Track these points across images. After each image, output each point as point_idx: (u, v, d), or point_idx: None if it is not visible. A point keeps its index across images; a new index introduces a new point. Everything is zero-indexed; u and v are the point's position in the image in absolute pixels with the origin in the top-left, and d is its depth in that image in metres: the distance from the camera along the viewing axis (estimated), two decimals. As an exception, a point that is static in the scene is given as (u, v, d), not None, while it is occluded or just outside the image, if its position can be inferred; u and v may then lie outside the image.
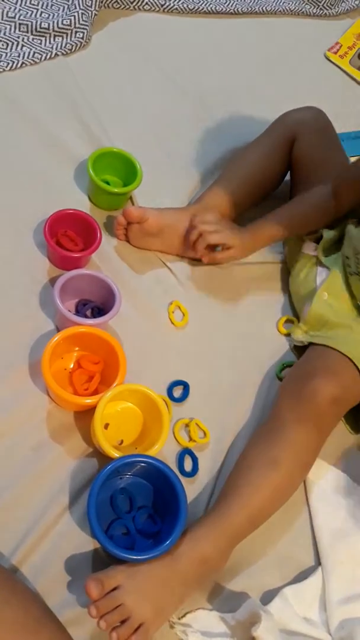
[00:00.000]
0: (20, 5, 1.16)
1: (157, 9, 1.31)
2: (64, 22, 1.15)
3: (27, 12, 1.16)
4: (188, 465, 0.79)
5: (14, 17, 1.14)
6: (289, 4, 1.46)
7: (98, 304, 0.86)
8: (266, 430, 0.76)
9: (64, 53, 1.15)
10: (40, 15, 1.16)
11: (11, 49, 1.12)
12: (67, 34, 1.16)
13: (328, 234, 0.92)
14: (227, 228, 0.90)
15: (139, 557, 0.64)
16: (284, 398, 0.77)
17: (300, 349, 0.89)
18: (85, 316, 0.84)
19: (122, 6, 1.28)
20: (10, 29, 1.13)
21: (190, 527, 0.68)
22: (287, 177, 1.04)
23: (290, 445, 0.72)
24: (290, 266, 1.00)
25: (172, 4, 1.31)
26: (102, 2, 1.23)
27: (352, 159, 1.12)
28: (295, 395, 0.75)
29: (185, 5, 1.33)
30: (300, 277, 0.94)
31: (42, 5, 1.18)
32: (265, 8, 1.42)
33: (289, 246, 1.01)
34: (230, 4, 1.39)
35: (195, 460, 0.79)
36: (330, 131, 1.00)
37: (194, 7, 1.34)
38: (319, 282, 0.91)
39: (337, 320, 0.86)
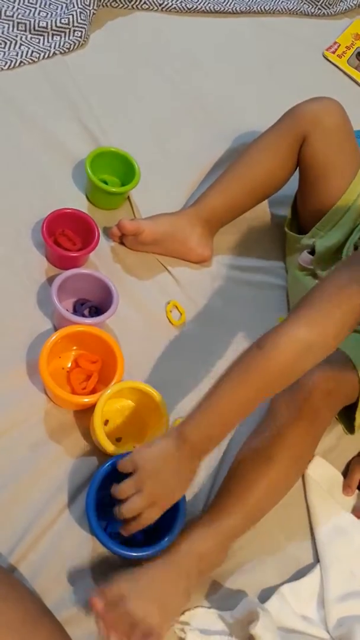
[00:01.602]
0: (19, 4, 1.16)
1: (155, 8, 1.31)
2: (62, 20, 1.15)
3: (25, 11, 1.16)
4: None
5: (12, 16, 1.14)
6: (287, 3, 1.46)
7: (95, 303, 0.86)
8: (261, 426, 0.76)
9: (62, 52, 1.15)
10: (39, 14, 1.16)
11: (9, 47, 1.11)
12: (65, 32, 1.16)
13: (323, 245, 0.88)
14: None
15: (138, 554, 0.65)
16: (278, 394, 0.76)
17: None
18: (83, 315, 0.84)
19: (120, 5, 1.27)
20: (8, 28, 1.13)
21: (189, 526, 0.68)
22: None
23: (284, 440, 0.72)
24: (288, 267, 1.00)
25: (170, 3, 1.31)
26: (100, 0, 1.23)
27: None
28: (289, 388, 0.73)
29: (183, 5, 1.33)
30: (298, 283, 0.93)
31: (40, 4, 1.17)
32: (264, 7, 1.42)
33: (287, 247, 1.00)
34: (229, 4, 1.39)
35: None
36: (347, 127, 0.91)
37: (192, 7, 1.34)
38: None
39: None
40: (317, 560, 0.76)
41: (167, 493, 0.63)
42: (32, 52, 1.12)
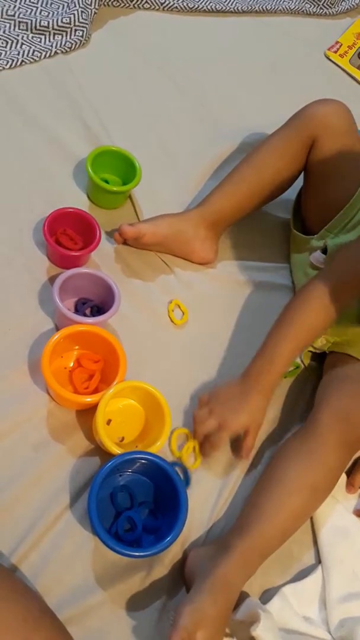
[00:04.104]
0: (20, 4, 1.16)
1: (157, 7, 1.30)
2: (64, 20, 1.15)
3: (27, 10, 1.16)
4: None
5: (14, 15, 1.14)
6: (289, 3, 1.46)
7: (97, 303, 0.86)
8: (306, 451, 0.72)
9: (64, 51, 1.15)
10: (40, 13, 1.16)
11: (10, 47, 1.11)
12: (66, 32, 1.16)
13: (335, 244, 0.88)
14: (227, 410, 0.76)
15: (140, 554, 0.65)
16: (327, 418, 0.73)
17: (314, 353, 0.90)
18: (85, 315, 0.84)
19: (122, 4, 1.27)
20: (9, 27, 1.13)
21: (233, 552, 0.65)
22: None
23: (329, 470, 0.72)
24: (293, 267, 0.99)
25: (171, 3, 1.31)
26: (101, 0, 1.23)
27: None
28: (340, 417, 0.72)
29: (185, 4, 1.33)
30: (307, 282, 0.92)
31: (42, 3, 1.17)
32: (266, 7, 1.42)
33: (293, 247, 1.00)
34: (230, 3, 1.38)
35: (186, 473, 0.78)
36: (354, 130, 0.91)
37: (193, 6, 1.34)
38: None
39: (351, 325, 0.85)
40: (319, 561, 0.76)
41: (234, 417, 0.75)
42: (34, 51, 1.12)
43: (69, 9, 1.17)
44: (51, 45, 1.14)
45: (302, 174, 0.97)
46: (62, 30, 1.15)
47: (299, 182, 0.99)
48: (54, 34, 1.15)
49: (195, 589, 0.63)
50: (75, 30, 1.16)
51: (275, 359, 0.76)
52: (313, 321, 0.77)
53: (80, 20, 1.16)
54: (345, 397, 0.74)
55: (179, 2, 1.32)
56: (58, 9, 1.18)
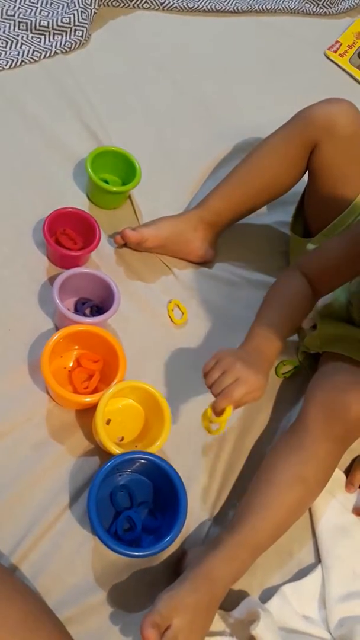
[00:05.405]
0: (20, 4, 1.16)
1: (157, 7, 1.30)
2: (64, 20, 1.15)
3: (27, 11, 1.16)
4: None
5: (13, 16, 1.14)
6: (289, 2, 1.46)
7: (97, 303, 0.86)
8: (295, 444, 0.73)
9: (64, 51, 1.15)
10: (40, 13, 1.16)
11: (10, 47, 1.11)
12: (66, 32, 1.16)
13: None
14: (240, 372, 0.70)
15: (140, 554, 0.65)
16: (313, 411, 0.74)
17: (308, 353, 0.90)
18: (84, 315, 0.84)
19: (122, 4, 1.27)
20: (9, 27, 1.13)
21: (222, 546, 0.65)
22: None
23: (319, 462, 0.71)
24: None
25: (171, 3, 1.31)
26: (101, 0, 1.23)
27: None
28: (326, 409, 0.72)
29: (184, 4, 1.33)
30: None
31: (42, 3, 1.17)
32: (265, 7, 1.42)
33: (291, 249, 1.00)
34: (230, 3, 1.38)
35: None
36: None
37: (193, 6, 1.34)
38: (320, 303, 0.88)
39: (346, 331, 0.85)
40: (318, 560, 0.76)
41: (253, 376, 0.69)
42: (34, 51, 1.12)
43: (69, 9, 1.17)
44: (51, 45, 1.14)
45: (307, 174, 0.94)
46: (62, 30, 1.15)
47: (304, 182, 0.97)
48: (54, 34, 1.15)
49: (178, 580, 0.63)
50: (75, 30, 1.16)
51: (271, 335, 0.76)
52: (300, 295, 0.80)
53: (80, 20, 1.16)
54: (332, 390, 0.75)
55: (179, 2, 1.32)
56: (58, 9, 1.18)
